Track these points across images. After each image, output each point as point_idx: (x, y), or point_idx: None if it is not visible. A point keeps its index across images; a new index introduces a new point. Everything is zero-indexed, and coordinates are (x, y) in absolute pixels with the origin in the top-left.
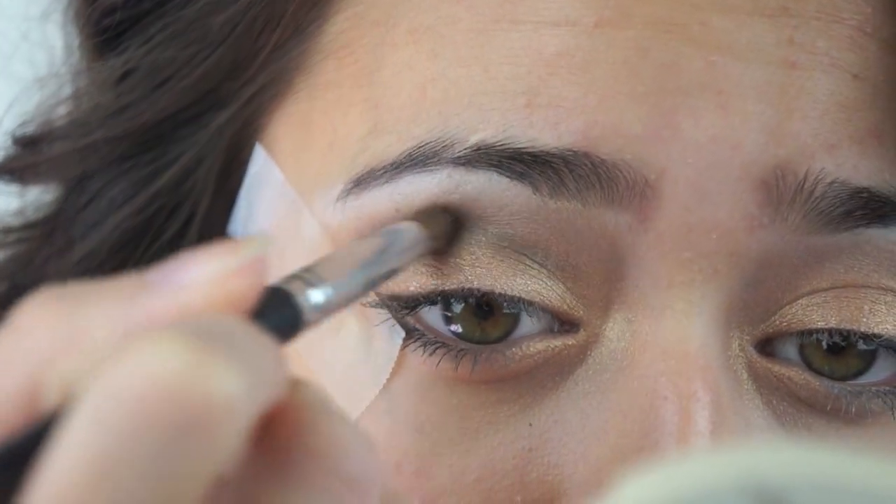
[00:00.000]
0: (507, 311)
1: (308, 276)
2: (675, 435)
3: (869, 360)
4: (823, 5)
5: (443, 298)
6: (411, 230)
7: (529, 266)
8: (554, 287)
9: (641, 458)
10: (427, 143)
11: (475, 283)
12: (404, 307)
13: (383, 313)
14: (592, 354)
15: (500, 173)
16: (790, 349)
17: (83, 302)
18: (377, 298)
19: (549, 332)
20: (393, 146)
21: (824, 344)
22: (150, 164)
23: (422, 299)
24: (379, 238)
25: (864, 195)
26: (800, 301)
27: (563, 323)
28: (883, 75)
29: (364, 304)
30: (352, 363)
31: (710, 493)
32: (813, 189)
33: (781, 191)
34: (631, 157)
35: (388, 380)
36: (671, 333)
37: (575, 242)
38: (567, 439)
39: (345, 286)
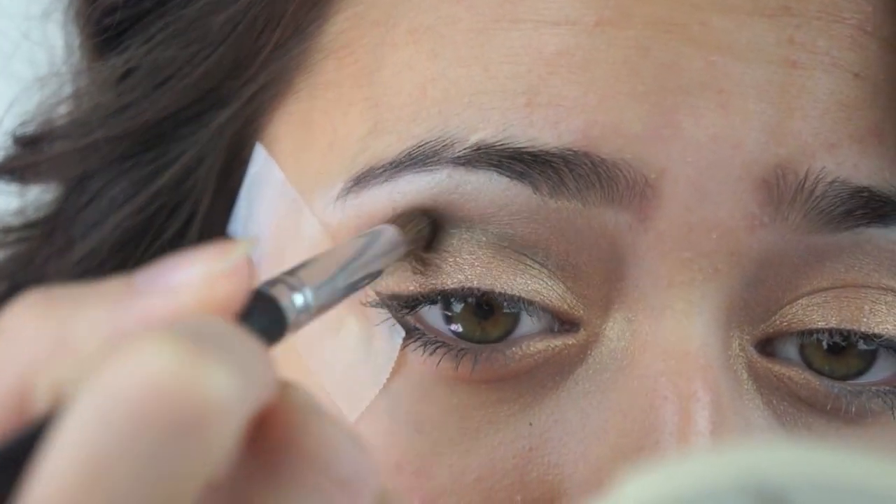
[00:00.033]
0: (507, 310)
1: (291, 279)
2: (675, 435)
3: (869, 359)
4: (824, 5)
5: (443, 298)
6: (389, 233)
7: (530, 266)
8: (554, 287)
9: (641, 458)
10: (427, 143)
11: (475, 282)
12: (404, 307)
13: (383, 313)
14: (592, 354)
15: (501, 173)
16: (790, 349)
17: (71, 304)
18: (377, 298)
19: (550, 331)
20: (393, 146)
21: (825, 344)
22: (150, 164)
23: (422, 299)
24: (357, 241)
25: (865, 194)
26: (800, 301)
27: (563, 322)
28: (883, 74)
29: (364, 304)
30: (352, 363)
31: (711, 492)
32: (813, 188)
33: (782, 190)
34: (631, 157)
35: (389, 379)
36: (671, 333)
37: (575, 242)
38: (567, 439)
39: (327, 289)
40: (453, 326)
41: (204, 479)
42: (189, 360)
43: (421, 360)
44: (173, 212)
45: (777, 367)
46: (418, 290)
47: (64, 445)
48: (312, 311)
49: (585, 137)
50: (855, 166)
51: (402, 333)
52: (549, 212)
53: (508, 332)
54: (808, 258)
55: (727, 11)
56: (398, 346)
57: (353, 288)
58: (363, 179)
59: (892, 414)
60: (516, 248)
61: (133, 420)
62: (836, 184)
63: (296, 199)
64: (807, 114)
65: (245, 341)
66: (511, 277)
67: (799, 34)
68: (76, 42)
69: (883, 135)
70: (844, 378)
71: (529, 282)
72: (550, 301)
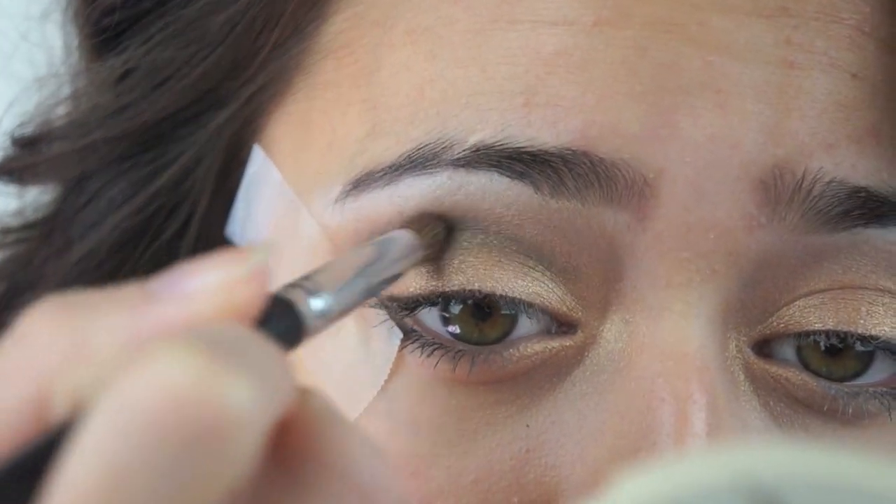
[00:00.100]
0: (506, 312)
1: (308, 284)
2: (671, 436)
3: (867, 361)
4: (822, 5)
5: (443, 300)
6: (406, 238)
7: (532, 268)
8: (555, 289)
9: (638, 460)
10: (426, 145)
11: (477, 285)
12: (403, 308)
13: (381, 314)
14: (590, 355)
15: (501, 173)
16: (788, 350)
17: (88, 310)
18: (376, 299)
19: (547, 333)
20: (391, 148)
21: (822, 345)
22: (149, 164)
23: (422, 300)
24: (374, 246)
25: (862, 195)
26: (797, 302)
27: (561, 324)
28: (881, 75)
29: (363, 305)
30: (350, 364)
31: (706, 492)
32: (811, 188)
33: (779, 190)
34: (629, 157)
35: (386, 381)
36: (669, 335)
37: (576, 243)
38: (564, 440)
39: (344, 294)
40: (451, 328)
41: (224, 490)
42: (207, 370)
43: (419, 362)
44: (172, 212)
45: (774, 369)
46: (418, 291)
47: (83, 455)
48: (330, 316)
49: (584, 137)
50: (852, 167)
51: (400, 335)
52: (551, 212)
53: (506, 333)
54: (806, 259)
55: (725, 12)
56: (396, 348)
57: (370, 292)
58: (362, 183)
59: (889, 415)
60: (521, 250)
61: (152, 431)
62: (834, 184)
63: (294, 200)
64: (804, 114)
65: (263, 348)
66: (513, 280)
67: (797, 35)
68: (75, 43)
69: (881, 135)
70: (842, 379)
71: (531, 284)
72: (550, 303)
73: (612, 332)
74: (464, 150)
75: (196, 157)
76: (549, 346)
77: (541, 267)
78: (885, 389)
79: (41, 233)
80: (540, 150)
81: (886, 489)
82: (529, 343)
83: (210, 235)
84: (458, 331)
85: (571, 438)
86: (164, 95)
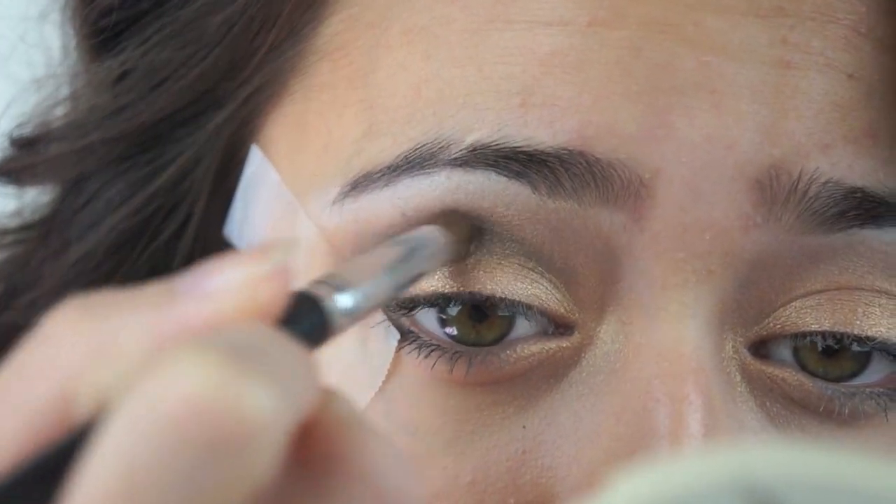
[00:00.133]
0: (503, 313)
1: (335, 280)
2: (667, 438)
3: (863, 361)
4: (818, 5)
5: (442, 301)
6: (435, 235)
7: (531, 270)
8: (553, 291)
9: (634, 461)
10: (423, 145)
11: (477, 286)
12: (402, 308)
13: (379, 315)
14: (586, 357)
15: (498, 172)
16: (784, 351)
17: (112, 310)
18: None
19: (544, 334)
20: (388, 149)
21: (819, 346)
22: (147, 165)
23: (420, 301)
24: (402, 243)
25: (859, 195)
26: (794, 303)
27: (558, 326)
28: (878, 75)
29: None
30: (348, 365)
31: (703, 492)
32: (807, 189)
33: (776, 190)
34: (625, 157)
35: (384, 382)
36: (665, 335)
37: (573, 244)
38: (560, 442)
39: (372, 291)
40: (448, 329)
41: (244, 495)
42: (227, 375)
43: (416, 363)
44: (169, 213)
45: (771, 369)
46: (416, 292)
47: (102, 459)
48: (357, 314)
49: (580, 137)
50: (849, 167)
51: (398, 336)
52: (549, 212)
53: (503, 335)
54: (802, 260)
55: (721, 12)
56: (393, 349)
57: (397, 290)
58: (360, 184)
59: (886, 416)
60: (520, 252)
61: (171, 437)
62: (830, 184)
63: (291, 202)
64: (801, 114)
65: (286, 348)
66: (512, 282)
67: (793, 35)
68: (73, 43)
69: (877, 136)
70: (838, 380)
71: (529, 286)
72: (549, 305)
73: (608, 334)
74: (461, 150)
75: (194, 158)
76: (546, 348)
77: (539, 269)
78: (881, 390)
79: (39, 234)
80: (536, 150)
81: (884, 489)
82: (526, 344)
83: (208, 236)
84: (455, 332)
85: (568, 440)
86: (161, 96)
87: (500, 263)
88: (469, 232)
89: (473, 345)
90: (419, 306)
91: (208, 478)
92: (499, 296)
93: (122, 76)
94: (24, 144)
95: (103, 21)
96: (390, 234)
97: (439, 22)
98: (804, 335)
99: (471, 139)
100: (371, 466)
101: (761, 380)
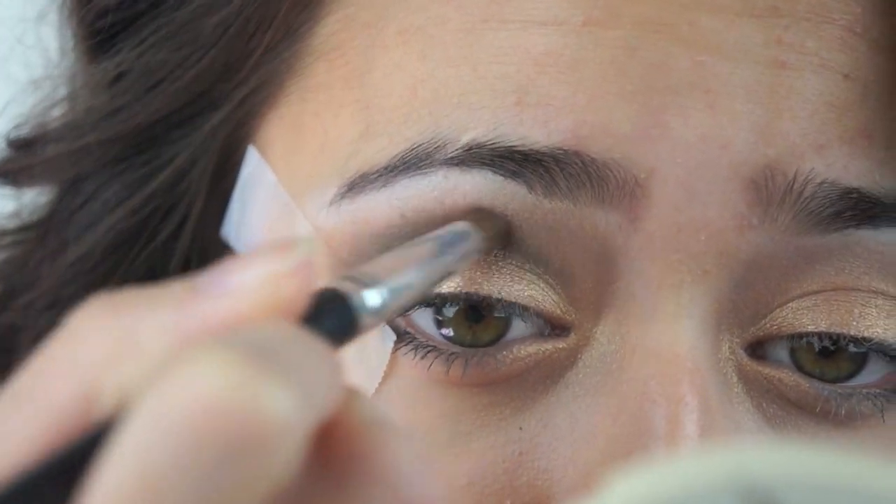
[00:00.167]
0: (499, 314)
1: (362, 276)
2: (663, 439)
3: (860, 362)
4: (813, 5)
5: (438, 302)
6: (466, 231)
7: (528, 271)
8: (549, 292)
9: (630, 462)
10: (419, 145)
11: (473, 288)
12: (395, 313)
13: None
14: (583, 358)
15: (495, 172)
16: (781, 352)
17: (136, 307)
18: None
19: (540, 335)
20: (385, 149)
21: (815, 347)
22: (143, 166)
23: (417, 304)
24: (433, 240)
25: (854, 196)
26: (790, 304)
27: (554, 327)
28: (873, 75)
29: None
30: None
31: (701, 493)
32: (802, 189)
33: (771, 191)
34: (620, 157)
35: (380, 383)
36: (661, 336)
37: (569, 244)
38: (557, 443)
39: (400, 288)
40: (444, 330)
41: (262, 496)
42: (246, 376)
43: (412, 364)
44: (167, 214)
45: (767, 370)
46: None
47: (120, 459)
48: (384, 312)
49: (575, 137)
50: (844, 168)
51: (394, 337)
52: (545, 213)
53: (499, 336)
54: (798, 260)
55: (715, 11)
56: (389, 350)
57: (427, 288)
58: (357, 185)
59: (882, 416)
60: (518, 253)
61: (190, 438)
62: (826, 185)
63: (288, 202)
64: (795, 115)
65: (309, 347)
66: (508, 284)
67: (788, 35)
68: (70, 45)
69: (872, 136)
70: (835, 381)
71: (526, 288)
72: (545, 306)
73: (604, 335)
74: (457, 150)
75: (190, 159)
76: (543, 349)
77: (537, 270)
78: (878, 391)
79: (37, 235)
80: (531, 150)
81: (881, 489)
82: (523, 345)
83: (205, 237)
84: (451, 333)
85: (564, 441)
86: (157, 98)
87: (497, 264)
88: (501, 228)
89: (470, 346)
90: (415, 307)
91: (225, 478)
92: (495, 297)
93: (119, 77)
94: (22, 145)
95: (100, 22)
96: (388, 234)
97: (434, 22)
98: (801, 336)
99: (467, 138)
100: (392, 469)
101: (758, 380)
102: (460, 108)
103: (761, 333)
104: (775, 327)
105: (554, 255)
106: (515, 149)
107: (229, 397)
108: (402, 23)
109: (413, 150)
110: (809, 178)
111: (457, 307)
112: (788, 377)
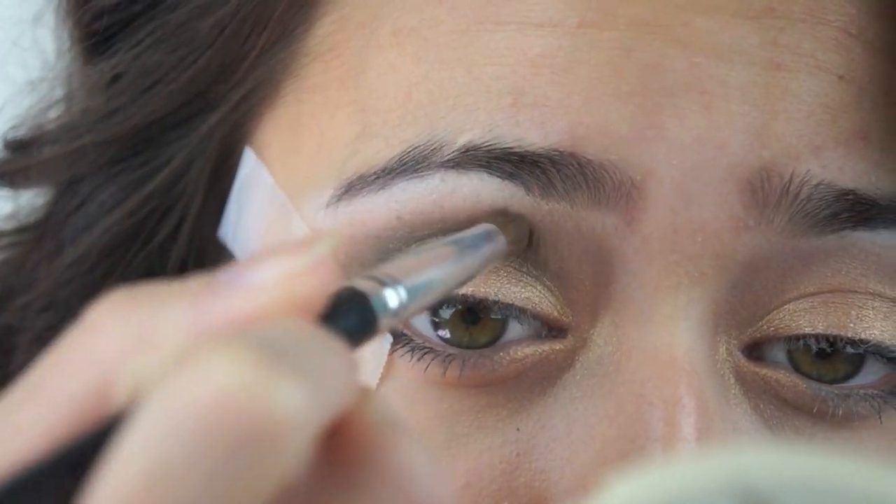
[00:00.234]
0: (496, 316)
1: (382, 276)
2: (661, 441)
3: (857, 363)
4: (809, 7)
5: (436, 303)
6: (490, 233)
7: (525, 273)
8: (547, 295)
9: (627, 464)
10: (416, 148)
11: (470, 289)
12: (414, 314)
13: None
14: (580, 359)
15: (491, 173)
16: (779, 354)
17: (153, 302)
18: None
19: (537, 337)
20: (382, 151)
21: (812, 349)
22: (140, 168)
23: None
24: (455, 243)
25: (850, 197)
26: (787, 306)
27: (551, 328)
28: (868, 77)
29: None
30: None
31: (698, 495)
32: (798, 191)
33: (767, 192)
34: (617, 158)
35: (377, 385)
36: (658, 338)
37: (566, 246)
38: (554, 445)
39: (420, 289)
40: (441, 332)
41: (268, 495)
42: (257, 372)
43: (409, 366)
44: (163, 216)
45: (764, 371)
46: None
47: (129, 454)
48: (403, 313)
49: (571, 138)
50: (840, 169)
51: (391, 339)
52: (543, 214)
53: (496, 337)
54: (795, 262)
55: (711, 13)
56: (386, 352)
57: (447, 290)
58: (354, 187)
59: (880, 417)
60: (516, 254)
61: (200, 434)
62: (822, 186)
63: (285, 204)
64: (791, 116)
65: (324, 345)
66: (505, 285)
67: (783, 36)
68: (67, 46)
69: (868, 137)
70: (832, 382)
71: (523, 290)
72: (542, 309)
73: (601, 336)
74: (453, 152)
75: (187, 161)
76: (540, 350)
77: (534, 272)
78: (875, 392)
79: (34, 236)
80: (528, 151)
81: (879, 491)
82: (520, 347)
83: (202, 238)
84: (448, 335)
85: (561, 443)
86: (153, 99)
87: (495, 267)
88: (523, 231)
89: (466, 347)
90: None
91: (235, 474)
92: (491, 299)
93: (115, 79)
94: (18, 147)
95: (96, 24)
96: (385, 237)
97: (428, 24)
98: (798, 338)
99: (463, 140)
100: (402, 469)
101: (755, 382)
102: (456, 109)
103: (758, 335)
104: (772, 329)
105: (552, 258)
106: (512, 150)
107: (241, 393)
108: (397, 23)
109: (410, 152)
110: (805, 179)
111: (453, 309)
112: (786, 378)
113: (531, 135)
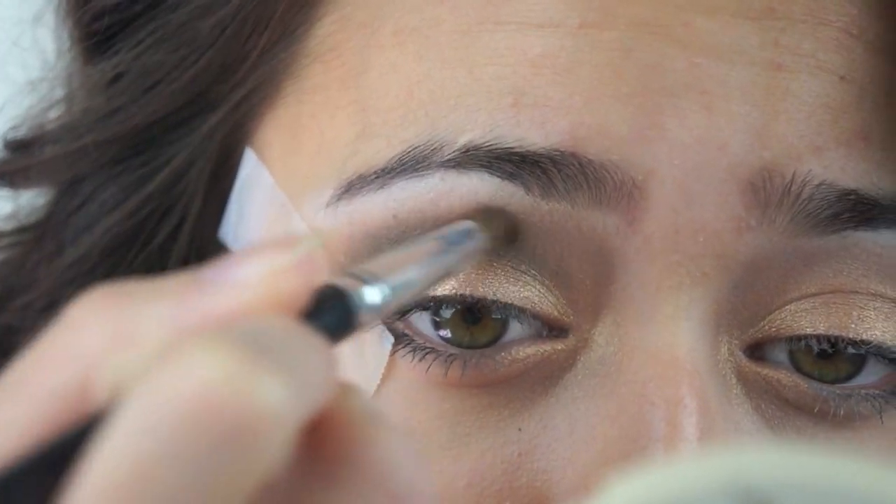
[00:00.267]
0: (496, 316)
1: (363, 273)
2: (662, 441)
3: (859, 363)
4: (809, 7)
5: (434, 304)
6: (470, 230)
7: (524, 273)
8: (546, 294)
9: (629, 464)
10: (416, 147)
11: (468, 289)
12: (395, 312)
13: None
14: (582, 359)
15: (491, 173)
16: (780, 354)
17: (136, 299)
18: None
19: (538, 336)
20: (382, 151)
21: (814, 349)
22: (140, 168)
23: (414, 304)
24: (436, 237)
25: (852, 197)
26: (788, 306)
27: (552, 328)
28: (869, 77)
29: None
30: (343, 369)
31: (699, 495)
32: (800, 191)
33: (768, 193)
34: (618, 158)
35: (379, 385)
36: (659, 338)
37: (567, 246)
38: (556, 445)
39: (401, 285)
40: (442, 332)
41: (250, 489)
42: (239, 368)
43: (410, 366)
44: (164, 216)
45: (766, 371)
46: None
47: (111, 450)
48: (383, 309)
49: (572, 138)
50: (841, 169)
51: (392, 339)
52: (543, 214)
53: (497, 337)
54: (796, 262)
55: (711, 13)
56: (388, 353)
57: (427, 286)
58: (354, 186)
59: (881, 418)
60: (515, 255)
61: (181, 429)
62: (823, 187)
63: (285, 204)
64: (792, 116)
65: (305, 341)
66: (504, 285)
67: (784, 37)
68: (67, 46)
69: (869, 138)
70: (834, 382)
71: (522, 289)
72: (542, 308)
73: (603, 336)
74: (454, 151)
75: (188, 161)
76: (541, 350)
77: (533, 271)
78: (876, 392)
79: (34, 236)
80: (528, 151)
81: (880, 492)
82: (521, 347)
83: (203, 239)
84: (449, 335)
85: (563, 443)
86: (154, 99)
87: (494, 266)
88: (507, 228)
89: (468, 347)
90: (413, 309)
91: (215, 468)
92: (491, 299)
93: (116, 79)
94: (19, 147)
95: (96, 24)
96: (380, 235)
97: (429, 24)
98: (799, 338)
99: (463, 140)
100: (383, 464)
101: (756, 382)
102: (457, 109)
103: (760, 335)
104: (774, 329)
105: (551, 257)
106: (512, 150)
107: (222, 388)
108: (398, 23)
109: (410, 152)
110: (807, 179)
111: (454, 309)
112: (787, 378)
113: (532, 135)
